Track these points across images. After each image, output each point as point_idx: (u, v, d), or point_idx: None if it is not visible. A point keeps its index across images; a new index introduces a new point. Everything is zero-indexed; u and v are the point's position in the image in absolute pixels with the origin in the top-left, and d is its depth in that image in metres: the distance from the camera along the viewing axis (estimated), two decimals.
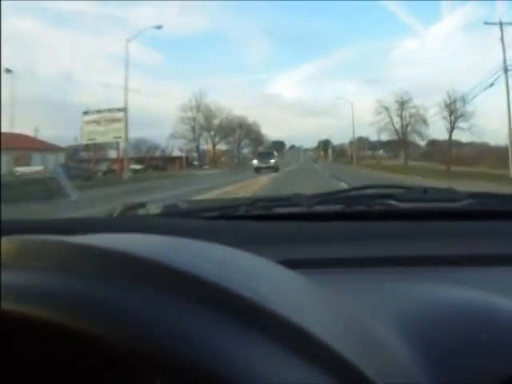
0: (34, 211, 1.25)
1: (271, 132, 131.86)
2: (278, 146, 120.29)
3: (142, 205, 1.17)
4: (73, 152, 42.98)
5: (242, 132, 72.00)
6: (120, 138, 31.17)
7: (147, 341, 0.30)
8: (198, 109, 61.80)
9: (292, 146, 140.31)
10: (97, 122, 31.60)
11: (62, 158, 36.24)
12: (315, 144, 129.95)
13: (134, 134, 49.53)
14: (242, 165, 61.60)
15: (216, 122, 64.23)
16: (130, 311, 0.31)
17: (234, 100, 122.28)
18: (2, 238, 0.39)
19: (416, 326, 0.48)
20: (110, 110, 32.01)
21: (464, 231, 0.98)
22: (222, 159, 70.97)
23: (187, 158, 59.16)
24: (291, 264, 0.51)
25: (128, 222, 1.09)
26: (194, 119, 61.01)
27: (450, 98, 38.82)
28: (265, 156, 39.76)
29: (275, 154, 47.36)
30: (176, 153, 58.91)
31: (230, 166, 57.44)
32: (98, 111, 32.26)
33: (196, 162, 62.29)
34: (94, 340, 0.31)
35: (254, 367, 0.30)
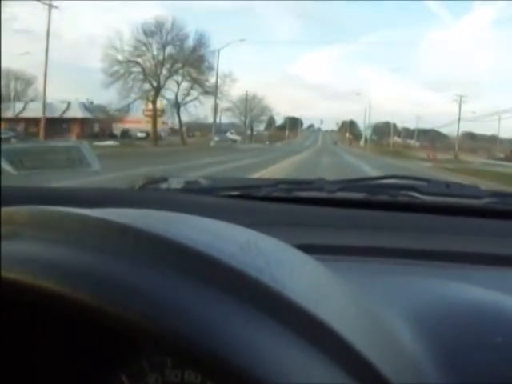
0: (56, 179, 1.38)
1: (290, 111, 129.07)
2: (292, 122, 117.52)
3: (164, 179, 1.25)
4: None
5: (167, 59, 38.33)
6: None
7: (159, 322, 0.31)
8: None
9: (311, 125, 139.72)
10: None
11: None
12: (334, 127, 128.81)
13: None
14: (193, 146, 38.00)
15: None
16: (143, 291, 0.33)
17: (255, 76, 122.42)
18: (22, 207, 0.41)
19: (431, 323, 0.50)
20: None
21: (485, 229, 1.03)
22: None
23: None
24: (308, 249, 0.53)
25: (149, 195, 1.17)
26: None
27: None
28: None
29: None
30: (75, 113, 38.70)
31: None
32: None
33: (142, 134, 42.65)
34: (101, 315, 0.32)
35: (265, 355, 0.31)
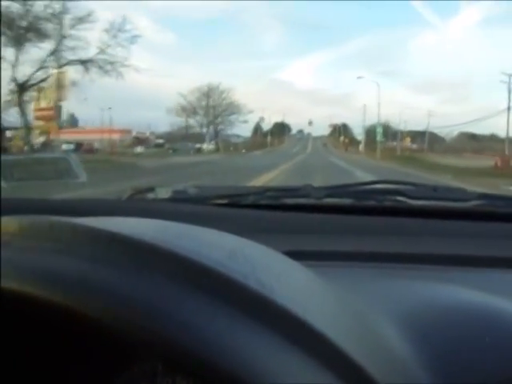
0: (44, 190, 1.43)
1: (279, 118, 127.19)
2: (279, 128, 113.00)
3: (151, 189, 1.28)
4: None
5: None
6: None
7: (149, 328, 0.32)
8: None
9: (300, 131, 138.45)
10: None
11: None
12: (325, 132, 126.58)
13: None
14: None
15: None
16: (132, 298, 0.34)
17: (244, 85, 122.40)
18: (11, 217, 0.42)
19: (418, 325, 0.52)
20: None
21: (472, 232, 1.07)
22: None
23: None
24: (297, 255, 0.55)
25: (136, 205, 1.21)
26: None
27: None
28: None
29: None
30: None
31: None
32: None
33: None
34: (95, 324, 0.33)
35: (254, 359, 0.33)
